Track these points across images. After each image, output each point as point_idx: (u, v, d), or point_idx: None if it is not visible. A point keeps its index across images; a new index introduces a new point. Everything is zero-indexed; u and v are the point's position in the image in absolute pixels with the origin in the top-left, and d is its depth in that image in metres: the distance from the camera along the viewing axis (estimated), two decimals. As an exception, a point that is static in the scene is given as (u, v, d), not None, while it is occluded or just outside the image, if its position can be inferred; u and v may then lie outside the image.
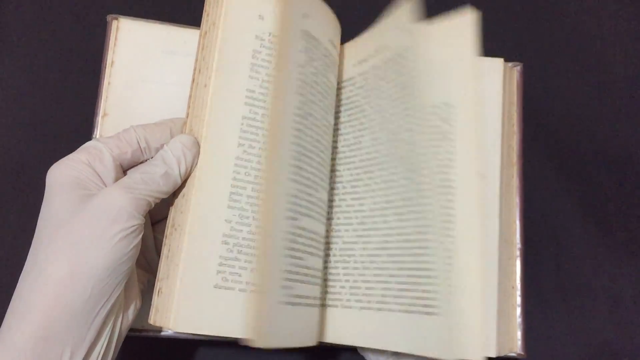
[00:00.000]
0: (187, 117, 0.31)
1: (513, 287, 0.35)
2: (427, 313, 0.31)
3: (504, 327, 0.34)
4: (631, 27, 0.46)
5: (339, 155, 0.35)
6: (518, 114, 0.37)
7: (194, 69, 0.32)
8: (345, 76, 0.36)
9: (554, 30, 0.46)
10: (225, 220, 0.30)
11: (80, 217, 0.27)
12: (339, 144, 0.35)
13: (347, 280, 0.33)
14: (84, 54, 0.44)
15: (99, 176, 0.29)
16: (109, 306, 0.28)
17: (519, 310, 0.35)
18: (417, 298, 0.31)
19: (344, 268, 0.33)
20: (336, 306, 0.33)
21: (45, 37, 0.45)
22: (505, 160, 0.36)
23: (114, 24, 0.37)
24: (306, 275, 0.31)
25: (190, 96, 0.32)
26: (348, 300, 0.33)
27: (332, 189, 0.35)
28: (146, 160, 0.32)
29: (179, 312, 0.29)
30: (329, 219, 0.35)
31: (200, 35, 0.32)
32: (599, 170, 0.44)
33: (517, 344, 0.34)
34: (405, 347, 0.31)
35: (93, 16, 0.45)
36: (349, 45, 0.37)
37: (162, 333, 0.34)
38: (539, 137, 0.44)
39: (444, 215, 0.32)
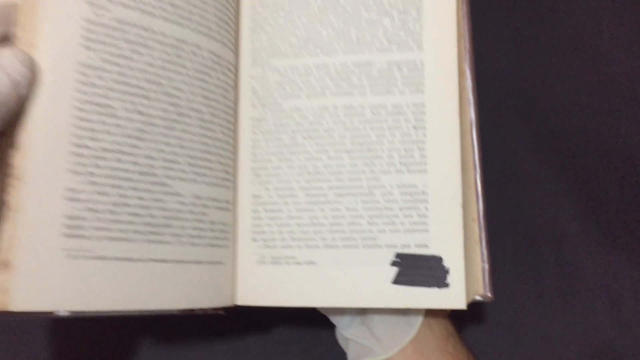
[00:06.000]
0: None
1: (473, 220, 0.30)
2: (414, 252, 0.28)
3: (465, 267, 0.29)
4: (631, 26, 0.47)
5: None
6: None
7: None
8: None
9: (554, 29, 0.47)
10: (71, 171, 0.25)
11: None
12: None
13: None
14: None
15: None
16: None
17: (481, 246, 0.30)
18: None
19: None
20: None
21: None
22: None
23: None
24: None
25: None
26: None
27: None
28: None
29: (26, 287, 0.23)
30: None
31: None
32: (599, 169, 0.44)
33: (481, 286, 0.29)
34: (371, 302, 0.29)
35: None
36: None
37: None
38: (538, 136, 0.45)
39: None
